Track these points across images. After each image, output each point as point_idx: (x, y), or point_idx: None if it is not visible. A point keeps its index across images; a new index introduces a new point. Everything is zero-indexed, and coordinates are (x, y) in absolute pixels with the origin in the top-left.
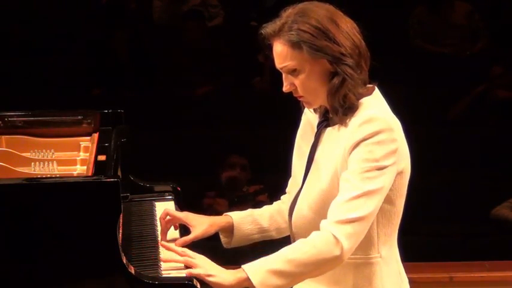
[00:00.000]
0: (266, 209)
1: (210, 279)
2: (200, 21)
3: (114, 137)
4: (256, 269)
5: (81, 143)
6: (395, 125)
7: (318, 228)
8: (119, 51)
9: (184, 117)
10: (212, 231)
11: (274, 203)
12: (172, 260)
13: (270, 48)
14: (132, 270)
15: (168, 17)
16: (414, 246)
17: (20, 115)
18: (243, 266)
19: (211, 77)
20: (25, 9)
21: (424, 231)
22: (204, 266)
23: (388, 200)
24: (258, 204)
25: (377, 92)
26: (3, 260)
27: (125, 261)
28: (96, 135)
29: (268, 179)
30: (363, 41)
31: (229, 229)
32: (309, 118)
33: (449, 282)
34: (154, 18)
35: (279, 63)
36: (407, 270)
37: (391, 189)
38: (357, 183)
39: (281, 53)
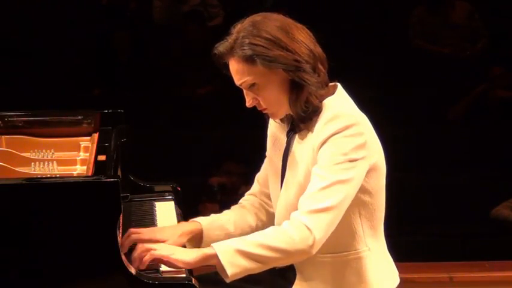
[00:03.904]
0: (230, 214)
1: (174, 256)
2: (200, 22)
3: (114, 137)
4: (225, 248)
5: (81, 143)
6: (361, 119)
7: None
8: (119, 51)
9: (184, 117)
10: (184, 240)
11: (234, 207)
12: (137, 261)
13: (226, 67)
14: (132, 270)
15: (168, 17)
16: (414, 246)
17: (20, 115)
18: (212, 244)
19: (212, 77)
20: (25, 9)
21: (425, 231)
22: (167, 248)
23: (368, 193)
24: None
25: (340, 90)
26: (3, 260)
27: (125, 261)
28: (96, 135)
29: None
30: (317, 44)
31: (198, 236)
32: (273, 130)
33: (449, 282)
34: (154, 18)
35: (237, 80)
36: (408, 270)
37: (368, 183)
38: (326, 174)
39: (237, 70)
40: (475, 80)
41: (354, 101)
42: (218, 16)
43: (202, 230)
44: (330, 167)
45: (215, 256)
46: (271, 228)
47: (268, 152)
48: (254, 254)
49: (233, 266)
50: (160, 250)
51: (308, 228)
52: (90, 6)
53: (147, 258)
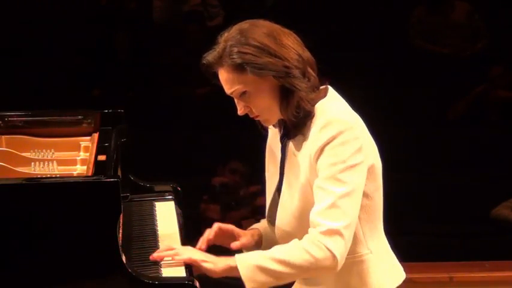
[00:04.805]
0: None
1: (205, 264)
2: (200, 22)
3: (114, 137)
4: (247, 263)
5: (81, 143)
6: (355, 122)
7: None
8: (119, 51)
9: (184, 117)
10: (253, 242)
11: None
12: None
13: (216, 76)
14: (132, 270)
15: (168, 17)
16: (415, 247)
17: (20, 115)
18: (236, 256)
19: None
20: (25, 9)
21: (424, 231)
22: (195, 253)
23: (366, 195)
24: (256, 209)
25: (331, 92)
26: (3, 260)
27: (125, 261)
28: (96, 135)
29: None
30: (305, 49)
31: (258, 242)
32: (269, 145)
33: (449, 282)
34: (154, 18)
35: (227, 90)
36: (408, 270)
37: (366, 186)
38: (331, 188)
39: (227, 80)
40: (475, 80)
41: (353, 102)
42: (218, 16)
43: (261, 234)
44: (332, 179)
45: (237, 269)
46: (292, 244)
47: (267, 166)
48: (274, 270)
49: (252, 281)
50: (194, 255)
51: (329, 250)
52: (89, 6)
53: (180, 259)
